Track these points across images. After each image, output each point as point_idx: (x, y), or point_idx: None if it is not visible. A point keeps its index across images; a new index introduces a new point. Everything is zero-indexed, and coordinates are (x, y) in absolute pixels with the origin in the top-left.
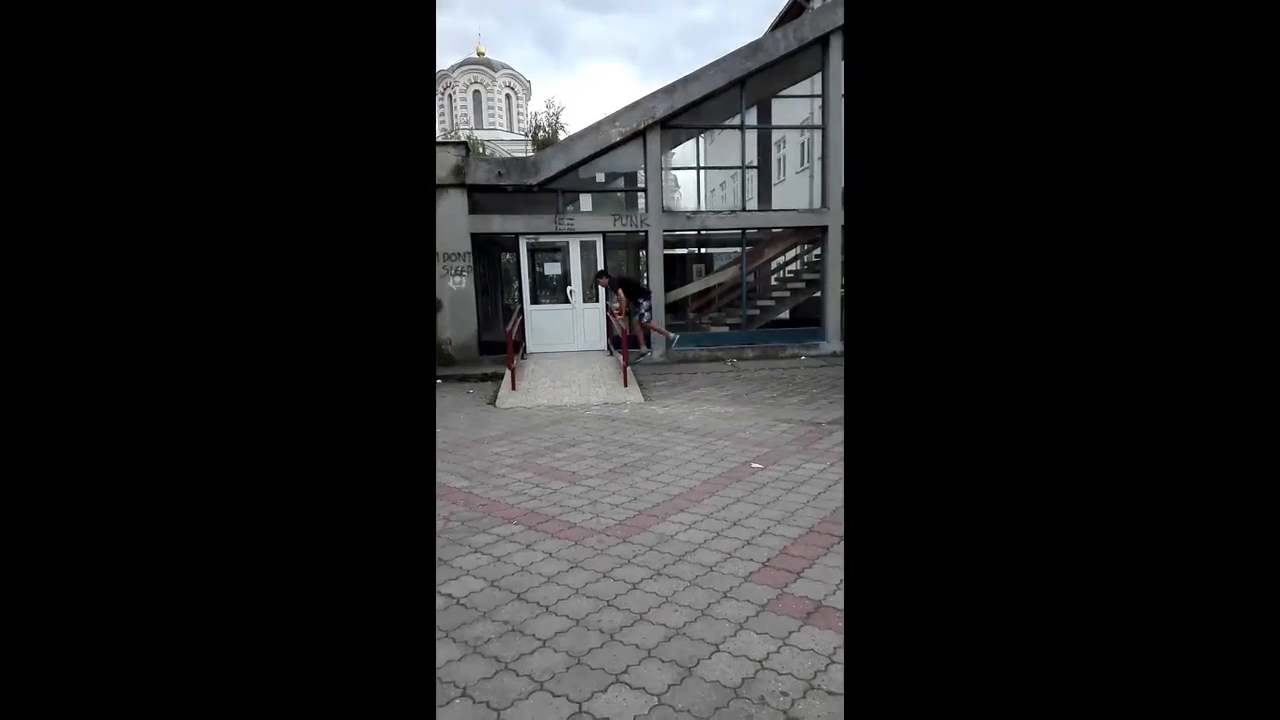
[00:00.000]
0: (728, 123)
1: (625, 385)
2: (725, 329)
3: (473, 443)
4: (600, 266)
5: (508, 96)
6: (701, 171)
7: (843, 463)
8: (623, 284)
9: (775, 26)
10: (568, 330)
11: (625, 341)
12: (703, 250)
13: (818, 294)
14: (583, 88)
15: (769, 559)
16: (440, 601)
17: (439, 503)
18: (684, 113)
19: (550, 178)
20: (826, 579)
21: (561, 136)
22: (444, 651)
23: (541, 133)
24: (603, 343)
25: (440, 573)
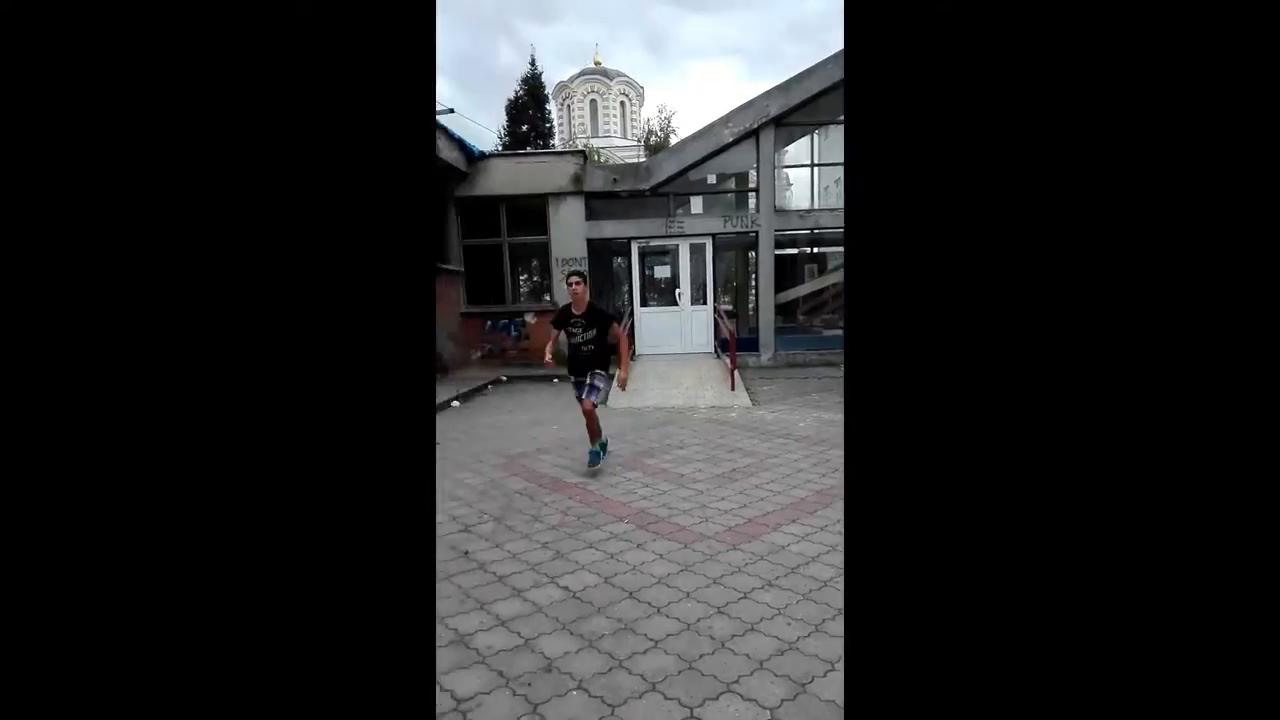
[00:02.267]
0: (843, 118)
1: (732, 389)
2: (839, 331)
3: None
4: (710, 269)
5: (622, 104)
6: (815, 168)
7: None
8: (597, 316)
9: None
10: (675, 332)
11: (733, 344)
12: (815, 250)
13: None
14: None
15: None
16: (557, 594)
17: (557, 496)
18: (798, 110)
19: (662, 181)
20: None
21: (673, 141)
22: (560, 644)
23: (654, 138)
24: (710, 345)
25: (558, 565)
